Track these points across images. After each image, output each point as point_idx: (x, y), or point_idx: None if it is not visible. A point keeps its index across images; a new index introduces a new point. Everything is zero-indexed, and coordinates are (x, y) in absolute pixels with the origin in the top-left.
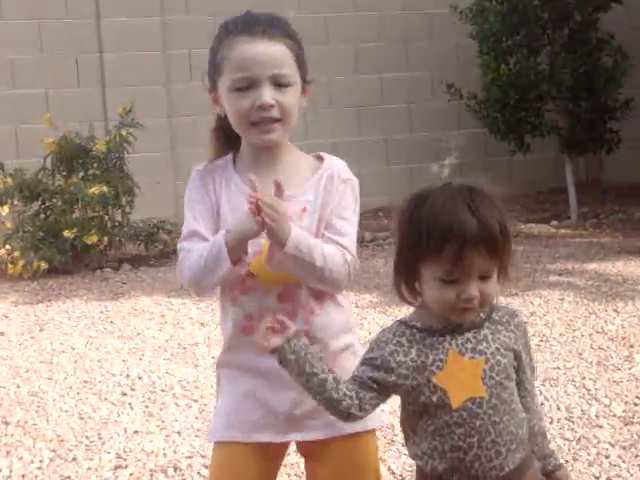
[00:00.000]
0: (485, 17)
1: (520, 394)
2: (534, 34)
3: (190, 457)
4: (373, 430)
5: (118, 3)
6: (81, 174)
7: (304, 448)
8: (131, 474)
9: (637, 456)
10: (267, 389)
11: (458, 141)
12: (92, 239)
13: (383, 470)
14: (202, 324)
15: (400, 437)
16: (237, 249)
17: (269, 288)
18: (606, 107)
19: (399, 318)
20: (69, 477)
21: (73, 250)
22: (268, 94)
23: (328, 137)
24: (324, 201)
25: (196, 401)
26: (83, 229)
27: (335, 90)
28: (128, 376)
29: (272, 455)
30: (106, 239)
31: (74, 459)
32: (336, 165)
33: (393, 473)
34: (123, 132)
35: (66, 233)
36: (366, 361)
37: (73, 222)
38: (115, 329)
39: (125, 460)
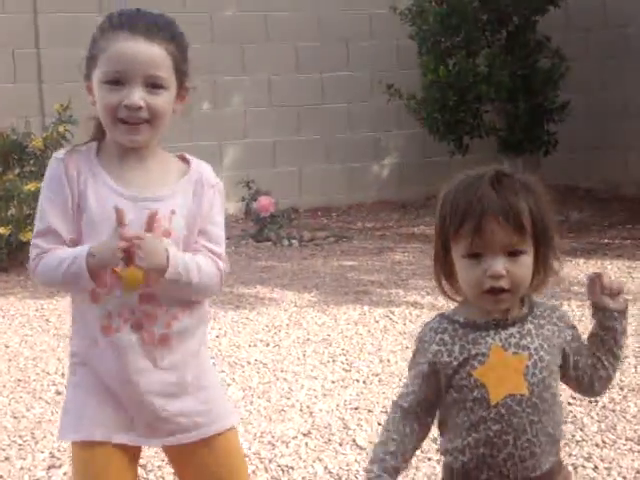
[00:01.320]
0: (424, 18)
1: (574, 377)
2: (473, 36)
3: None
4: (233, 427)
5: None
6: (17, 171)
7: (169, 452)
8: (65, 473)
9: None
10: (127, 392)
11: (397, 141)
12: (28, 236)
13: (320, 470)
14: None
15: (337, 436)
16: (98, 271)
17: (130, 289)
18: (544, 109)
19: (440, 312)
20: (1, 477)
21: (8, 247)
22: (138, 94)
23: (268, 136)
24: (193, 205)
25: None
26: (19, 226)
27: (275, 89)
28: (63, 375)
29: (132, 455)
30: None
31: (7, 458)
32: (204, 169)
33: (330, 473)
34: (61, 129)
35: (1, 230)
36: (414, 368)
37: (8, 219)
38: (51, 327)
39: (59, 459)
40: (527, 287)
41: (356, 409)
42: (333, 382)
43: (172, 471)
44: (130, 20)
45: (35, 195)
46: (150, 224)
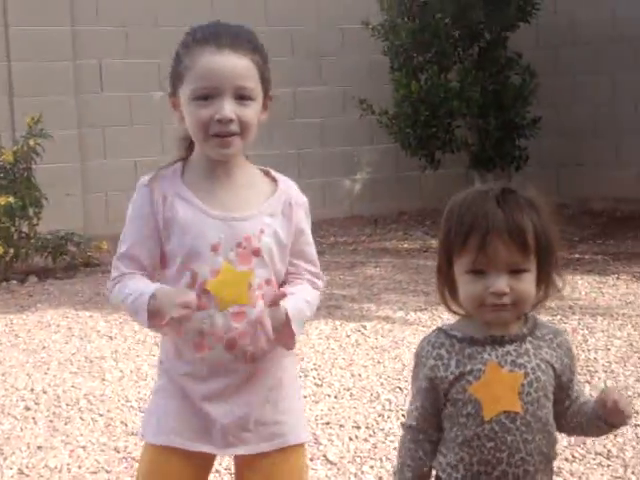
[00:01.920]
0: (397, 34)
1: (562, 412)
2: (445, 52)
3: (95, 472)
4: (303, 444)
5: (27, 11)
6: None
7: (238, 461)
8: None
9: None
10: (209, 401)
11: (370, 156)
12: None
13: None
14: (110, 337)
15: (308, 452)
16: (158, 316)
17: (223, 307)
18: (514, 125)
19: (438, 325)
20: None
21: None
22: (229, 107)
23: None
24: (283, 226)
25: (102, 415)
26: None
27: None
28: (32, 390)
29: (207, 464)
30: (12, 251)
31: None
32: (291, 189)
33: None
34: (31, 142)
35: None
36: (414, 384)
37: None
38: (20, 342)
39: (28, 476)
40: (532, 302)
41: (327, 424)
42: (305, 397)
43: None
44: (214, 33)
45: (4, 209)
46: (276, 302)
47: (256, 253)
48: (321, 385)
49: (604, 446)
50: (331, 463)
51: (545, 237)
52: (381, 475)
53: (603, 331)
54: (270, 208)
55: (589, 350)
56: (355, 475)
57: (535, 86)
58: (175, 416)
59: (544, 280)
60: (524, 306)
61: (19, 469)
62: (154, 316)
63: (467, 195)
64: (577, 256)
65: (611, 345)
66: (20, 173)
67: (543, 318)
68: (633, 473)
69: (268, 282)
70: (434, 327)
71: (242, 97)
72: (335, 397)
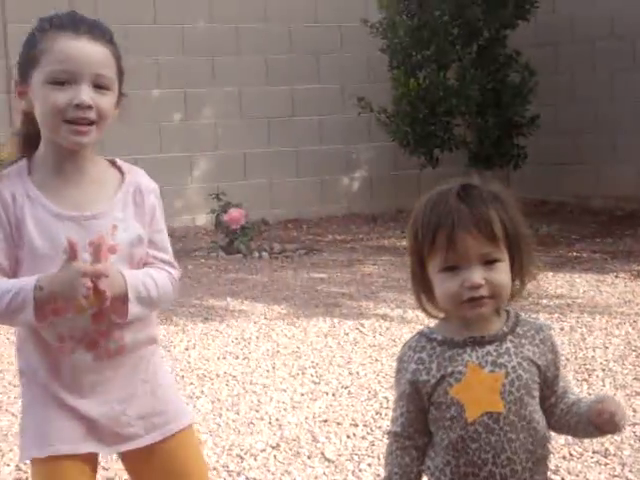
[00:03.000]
0: (395, 31)
1: (548, 409)
2: (443, 49)
3: None
4: (190, 426)
5: (25, 8)
6: None
7: (128, 459)
8: None
9: None
10: (85, 401)
11: (368, 154)
12: None
13: None
14: None
15: (306, 449)
16: (46, 307)
17: (80, 311)
18: (513, 123)
19: (419, 329)
20: None
21: None
22: (88, 94)
23: (238, 148)
24: (135, 216)
25: None
26: None
27: (246, 101)
28: None
29: (95, 464)
30: None
31: None
32: (140, 176)
33: None
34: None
35: None
36: (397, 389)
37: None
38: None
39: (25, 473)
40: (508, 293)
41: (325, 422)
42: (302, 395)
43: None
44: (72, 20)
45: None
46: (97, 254)
47: (112, 250)
48: (319, 383)
49: (602, 444)
50: (329, 461)
51: (512, 226)
52: (378, 473)
53: (601, 329)
54: (120, 202)
55: (587, 348)
56: (353, 473)
57: (534, 84)
58: (55, 424)
59: (518, 271)
60: (501, 297)
61: (17, 466)
62: (41, 308)
63: (430, 196)
64: (575, 254)
65: (609, 343)
66: None
67: (535, 315)
68: (631, 471)
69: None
70: (431, 325)
71: (100, 86)
72: (333, 395)
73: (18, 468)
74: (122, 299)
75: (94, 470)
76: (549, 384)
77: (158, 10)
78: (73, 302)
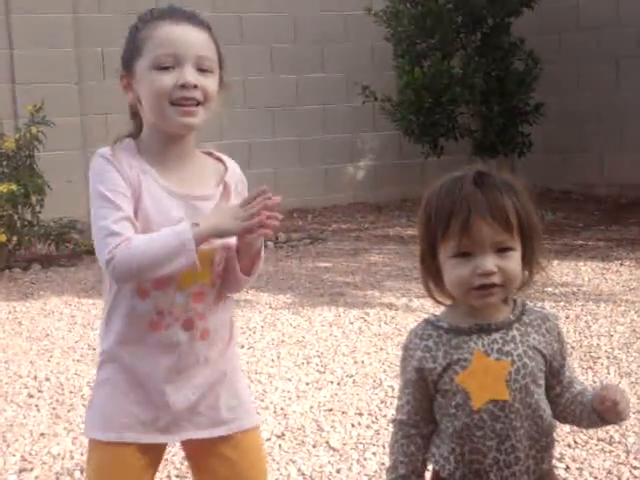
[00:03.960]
0: (399, 20)
1: (553, 399)
2: (448, 38)
3: None
4: (257, 426)
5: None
6: None
7: (190, 447)
8: (36, 477)
9: None
10: (159, 386)
11: (373, 143)
12: (1, 238)
13: (293, 471)
14: None
15: (311, 438)
16: (199, 245)
17: (184, 286)
18: (518, 111)
19: (426, 317)
20: None
21: None
22: (192, 74)
23: (243, 137)
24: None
25: None
26: None
27: (250, 90)
28: (35, 377)
29: (159, 454)
30: (15, 238)
31: None
32: (236, 168)
33: (303, 475)
34: (33, 130)
35: None
36: (402, 377)
37: None
38: (23, 330)
39: (31, 463)
40: (518, 283)
41: (330, 411)
42: (307, 384)
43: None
44: (171, 10)
45: (7, 196)
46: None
47: None
48: (324, 372)
49: (606, 432)
50: (334, 450)
51: (526, 216)
52: (383, 461)
53: (606, 317)
54: (223, 189)
55: (592, 336)
56: (358, 461)
57: (538, 72)
58: (123, 409)
59: (528, 261)
60: (511, 286)
61: (22, 456)
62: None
63: (443, 182)
64: (581, 242)
65: (614, 331)
66: (22, 161)
67: (541, 303)
68: (635, 459)
69: (226, 258)
70: (437, 314)
71: (203, 68)
72: (338, 384)
73: (23, 458)
74: (255, 260)
75: (157, 460)
76: (555, 373)
77: (160, 0)
78: (237, 232)
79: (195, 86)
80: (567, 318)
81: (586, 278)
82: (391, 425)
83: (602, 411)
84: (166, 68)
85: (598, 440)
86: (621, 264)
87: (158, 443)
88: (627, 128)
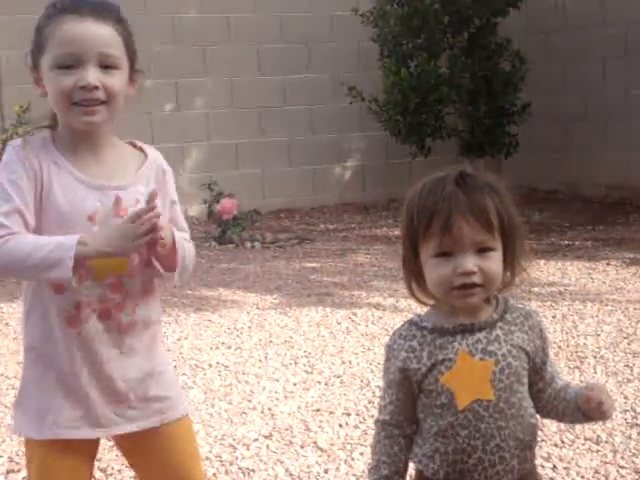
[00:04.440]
0: (386, 20)
1: (535, 395)
2: (434, 38)
3: None
4: (188, 415)
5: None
6: None
7: (125, 442)
8: (24, 478)
9: None
10: (82, 381)
11: (360, 143)
12: None
13: (281, 472)
14: None
15: (299, 439)
16: (82, 262)
17: (99, 278)
18: (504, 111)
19: (409, 318)
20: None
21: None
22: (93, 74)
23: (230, 138)
24: (158, 193)
25: None
26: None
27: (237, 91)
28: None
29: (94, 448)
30: None
31: None
32: (158, 156)
33: (291, 475)
34: (20, 130)
35: None
36: (386, 377)
37: None
38: (10, 331)
39: (17, 464)
40: (499, 283)
41: (317, 411)
42: (295, 384)
43: (132, 474)
44: (75, 3)
45: None
46: (117, 208)
47: None
48: (311, 372)
49: (593, 431)
50: (321, 450)
51: (507, 216)
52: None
53: (593, 317)
54: (144, 177)
55: (579, 336)
56: (345, 462)
57: (525, 72)
58: (52, 406)
59: (510, 261)
60: (492, 286)
61: (9, 457)
62: (80, 265)
63: (425, 183)
64: (567, 242)
65: (601, 331)
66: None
67: (528, 303)
68: (622, 458)
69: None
70: (421, 314)
71: (107, 66)
72: (325, 384)
73: (11, 459)
74: (173, 257)
75: (93, 455)
76: (537, 370)
77: (149, 0)
78: (126, 253)
79: (95, 87)
80: (554, 318)
81: (573, 278)
82: (374, 425)
83: (586, 410)
84: (68, 67)
85: (585, 439)
86: (607, 264)
87: (91, 439)
88: (613, 128)
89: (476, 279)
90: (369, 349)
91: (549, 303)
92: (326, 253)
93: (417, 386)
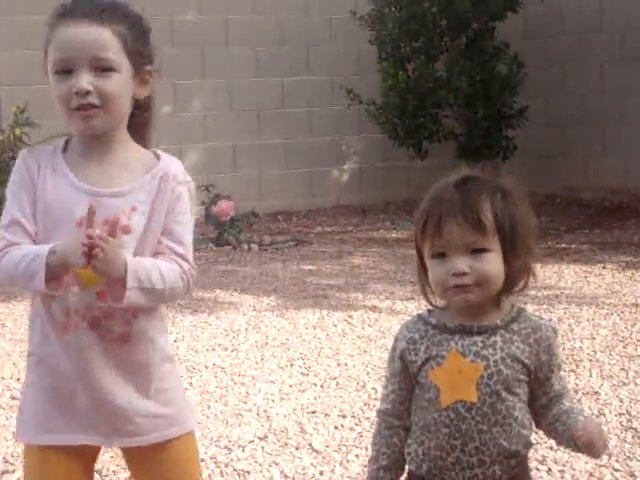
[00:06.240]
0: (384, 23)
1: (538, 410)
2: (432, 41)
3: None
4: (191, 432)
5: (13, 0)
6: None
7: (128, 454)
8: (18, 479)
9: None
10: (87, 391)
11: (357, 146)
12: None
13: (276, 473)
14: None
15: (294, 440)
16: (58, 270)
17: (86, 286)
18: (502, 114)
19: (419, 312)
20: None
21: None
22: (85, 79)
23: (228, 140)
24: (157, 202)
25: None
26: None
27: (236, 93)
28: (19, 379)
29: (93, 455)
30: None
31: None
32: (172, 165)
33: (286, 477)
34: (17, 131)
35: None
36: (390, 367)
37: None
38: (6, 332)
39: (12, 465)
40: (499, 284)
41: (313, 413)
42: (290, 386)
43: (127, 475)
44: (73, 6)
45: None
46: (112, 232)
47: (126, 230)
48: (307, 374)
49: None
50: (316, 452)
51: (508, 219)
52: (366, 464)
53: (589, 320)
54: (145, 184)
55: (575, 339)
56: (340, 464)
57: (522, 76)
58: (53, 412)
59: (511, 264)
60: (489, 286)
61: (4, 458)
62: (53, 274)
63: (433, 187)
64: (564, 246)
65: (597, 334)
66: (6, 162)
67: (530, 309)
68: (617, 461)
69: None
70: (431, 309)
71: (102, 69)
72: (321, 386)
73: (5, 460)
74: (121, 281)
75: (91, 462)
76: (540, 384)
77: (147, 1)
78: (72, 267)
79: (88, 92)
80: (550, 321)
81: (569, 281)
82: (375, 416)
83: (579, 445)
84: (66, 72)
85: None
86: (604, 267)
87: (89, 445)
88: (611, 133)
89: (467, 280)
90: (365, 351)
91: (545, 306)
92: (323, 255)
93: (414, 378)
